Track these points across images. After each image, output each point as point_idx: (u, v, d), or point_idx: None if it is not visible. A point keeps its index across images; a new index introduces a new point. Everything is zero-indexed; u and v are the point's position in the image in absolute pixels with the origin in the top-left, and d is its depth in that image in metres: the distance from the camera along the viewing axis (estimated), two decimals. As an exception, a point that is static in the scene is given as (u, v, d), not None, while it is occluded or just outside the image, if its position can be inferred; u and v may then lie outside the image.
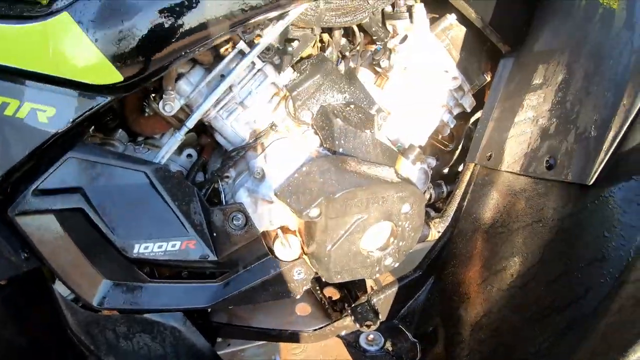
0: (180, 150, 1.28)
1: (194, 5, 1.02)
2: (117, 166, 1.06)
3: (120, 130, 1.26)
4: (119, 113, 1.23)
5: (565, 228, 0.99)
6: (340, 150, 1.12)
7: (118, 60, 1.01)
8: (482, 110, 1.38)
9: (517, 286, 1.10)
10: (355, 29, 1.24)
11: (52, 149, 1.05)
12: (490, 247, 1.17)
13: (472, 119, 1.46)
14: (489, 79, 1.32)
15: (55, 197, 1.04)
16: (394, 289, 1.29)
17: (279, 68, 1.15)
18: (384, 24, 1.27)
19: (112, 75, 1.02)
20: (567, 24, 1.10)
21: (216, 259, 1.10)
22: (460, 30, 1.25)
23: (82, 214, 1.06)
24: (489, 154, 1.20)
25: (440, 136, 1.46)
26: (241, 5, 1.03)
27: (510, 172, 1.14)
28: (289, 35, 1.16)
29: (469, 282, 1.23)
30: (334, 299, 1.44)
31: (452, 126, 1.32)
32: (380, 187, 1.06)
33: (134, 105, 1.22)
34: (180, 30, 1.03)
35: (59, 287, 1.15)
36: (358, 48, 1.26)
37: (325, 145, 1.13)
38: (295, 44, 1.16)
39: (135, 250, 1.07)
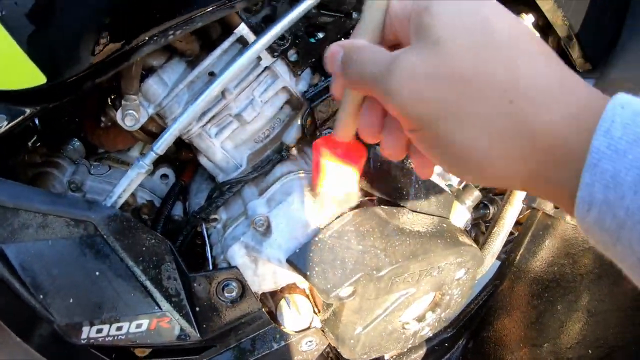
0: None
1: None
2: (49, 214, 0.65)
3: (74, 140, 0.82)
4: (74, 116, 0.79)
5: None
6: (378, 194, 0.73)
7: (37, 49, 0.57)
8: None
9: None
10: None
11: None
12: (545, 308, 0.84)
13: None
14: None
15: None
16: (420, 353, 0.95)
17: (295, 67, 0.72)
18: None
19: (29, 75, 0.58)
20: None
21: (200, 338, 0.73)
22: (533, 37, 0.84)
23: (3, 284, 0.65)
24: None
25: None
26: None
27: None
28: (315, 20, 0.72)
29: (514, 346, 0.91)
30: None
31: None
32: (440, 255, 0.69)
33: (90, 109, 0.78)
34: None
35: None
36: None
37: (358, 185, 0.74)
38: (321, 34, 0.73)
39: (84, 335, 0.69)
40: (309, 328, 0.80)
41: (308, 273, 0.66)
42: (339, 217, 0.67)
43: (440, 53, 0.28)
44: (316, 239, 0.67)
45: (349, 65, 0.34)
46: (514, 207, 0.93)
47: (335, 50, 0.36)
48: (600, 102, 0.26)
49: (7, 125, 0.61)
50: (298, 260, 0.67)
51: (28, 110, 0.62)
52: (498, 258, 0.98)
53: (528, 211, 1.03)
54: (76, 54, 0.59)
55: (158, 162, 0.87)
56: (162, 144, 0.67)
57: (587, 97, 0.27)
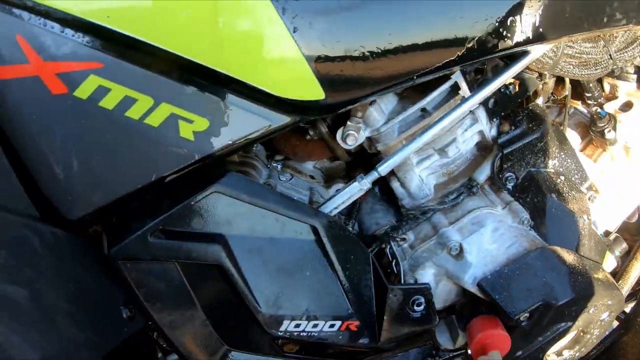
0: (324, 182, 0.89)
1: (437, 21, 0.64)
2: (277, 213, 0.67)
3: (257, 143, 0.85)
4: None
5: None
6: (551, 235, 0.79)
7: (325, 71, 0.61)
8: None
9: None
10: (567, 79, 0.88)
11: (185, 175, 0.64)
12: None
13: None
14: None
15: (184, 243, 0.65)
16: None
17: (493, 114, 0.78)
18: (599, 80, 0.92)
19: (310, 90, 0.62)
20: None
21: (376, 345, 0.76)
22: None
23: (219, 271, 0.67)
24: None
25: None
26: (493, 33, 0.65)
27: None
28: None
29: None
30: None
31: (645, 216, 1.02)
32: (599, 294, 0.75)
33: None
34: (414, 50, 0.63)
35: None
36: (563, 102, 0.91)
37: (530, 223, 0.80)
38: (512, 87, 0.79)
39: (283, 328, 0.70)
40: (461, 350, 0.84)
41: (497, 297, 0.71)
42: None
43: None
44: (506, 268, 0.72)
45: None
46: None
47: None
48: None
49: (268, 129, 0.64)
50: (488, 285, 0.71)
51: (289, 119, 0.65)
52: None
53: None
54: (356, 80, 0.63)
55: (332, 177, 0.91)
56: (386, 168, 0.71)
57: None
